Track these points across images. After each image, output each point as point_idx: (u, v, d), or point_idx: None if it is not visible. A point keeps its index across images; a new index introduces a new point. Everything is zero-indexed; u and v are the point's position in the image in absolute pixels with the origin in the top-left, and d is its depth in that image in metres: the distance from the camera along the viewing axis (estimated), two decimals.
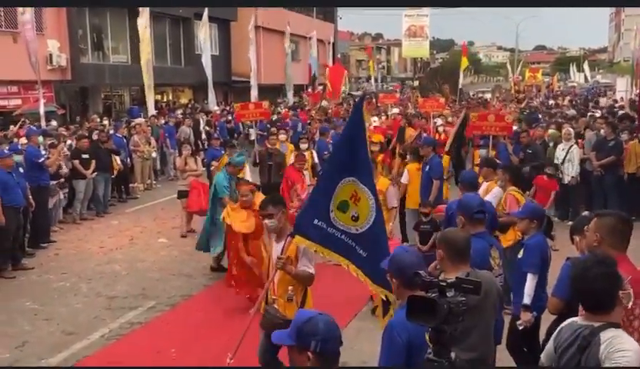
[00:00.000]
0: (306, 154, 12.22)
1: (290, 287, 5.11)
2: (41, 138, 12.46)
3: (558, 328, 3.30)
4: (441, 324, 2.83)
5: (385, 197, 7.18)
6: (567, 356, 3.22)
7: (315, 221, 4.78)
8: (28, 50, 16.68)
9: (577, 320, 3.30)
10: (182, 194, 11.71)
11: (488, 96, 40.72)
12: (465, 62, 34.21)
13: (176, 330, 7.51)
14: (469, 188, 6.96)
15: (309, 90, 36.06)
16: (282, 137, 13.50)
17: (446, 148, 11.07)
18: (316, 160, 12.74)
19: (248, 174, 10.85)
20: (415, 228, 8.85)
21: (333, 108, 25.19)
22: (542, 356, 3.48)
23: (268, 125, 17.39)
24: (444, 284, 2.87)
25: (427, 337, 3.30)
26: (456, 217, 5.39)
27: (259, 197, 7.60)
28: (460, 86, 34.05)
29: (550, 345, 3.41)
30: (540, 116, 20.31)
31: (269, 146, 12.48)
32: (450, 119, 18.23)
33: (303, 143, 12.64)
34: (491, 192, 8.00)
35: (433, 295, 2.86)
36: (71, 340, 7.23)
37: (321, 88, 33.10)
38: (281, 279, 5.20)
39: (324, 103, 26.96)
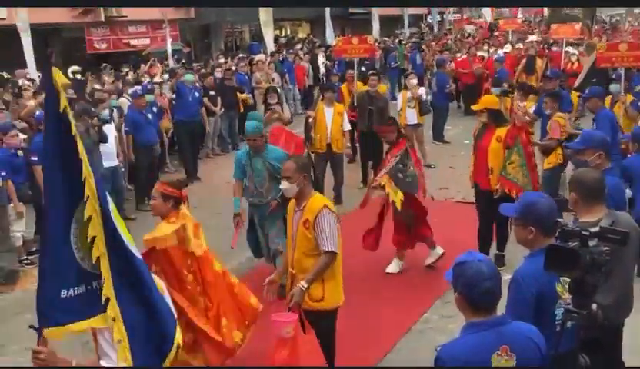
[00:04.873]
0: (413, 91, 11.89)
1: None
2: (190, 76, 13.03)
3: None
4: (583, 274, 2.72)
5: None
6: None
7: (63, 293, 2.92)
8: None
9: None
10: None
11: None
12: None
13: None
14: None
15: (456, 16, 35.28)
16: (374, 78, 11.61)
17: (576, 84, 10.35)
18: (424, 97, 12.14)
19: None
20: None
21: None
22: None
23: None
24: (586, 233, 2.73)
25: (558, 288, 3.21)
26: (588, 153, 5.03)
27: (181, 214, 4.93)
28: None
29: None
30: None
31: (370, 88, 11.18)
32: (581, 48, 17.11)
33: (412, 78, 12.14)
34: None
35: (574, 245, 2.75)
36: None
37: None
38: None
39: (469, 28, 26.18)
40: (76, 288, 2.94)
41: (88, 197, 2.86)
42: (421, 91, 12.27)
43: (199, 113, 12.41)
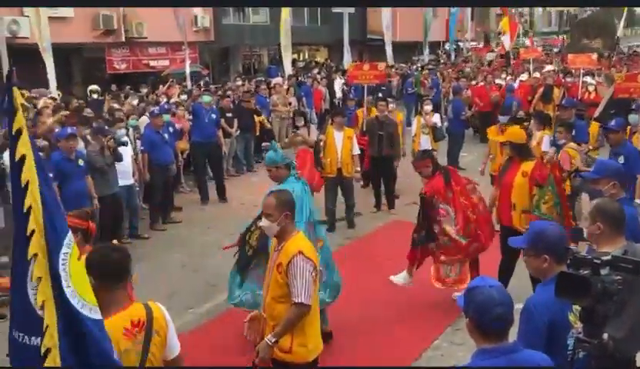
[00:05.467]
0: (427, 118, 11.96)
1: None
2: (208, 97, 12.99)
3: None
4: (593, 303, 2.69)
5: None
6: None
7: (15, 335, 2.63)
8: (175, 12, 17.52)
9: None
10: None
11: None
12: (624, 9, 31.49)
13: None
14: None
15: (475, 44, 35.67)
16: (391, 106, 11.96)
17: (596, 114, 10.32)
18: (438, 123, 12.15)
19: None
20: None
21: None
22: None
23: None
24: (598, 262, 2.70)
25: (571, 318, 3.17)
26: (603, 183, 4.93)
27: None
28: (617, 35, 31.42)
29: None
30: None
31: (378, 114, 11.09)
32: (599, 78, 17.06)
33: (427, 105, 12.22)
34: None
35: (585, 273, 2.72)
36: (216, 292, 7.66)
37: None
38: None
39: (489, 56, 26.45)
40: (37, 339, 2.56)
41: (34, 231, 2.48)
42: (436, 118, 12.26)
43: (216, 134, 12.42)
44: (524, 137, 6.96)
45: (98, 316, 2.60)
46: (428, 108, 12.10)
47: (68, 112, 10.64)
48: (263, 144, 15.97)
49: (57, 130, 9.18)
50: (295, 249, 4.10)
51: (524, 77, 18.60)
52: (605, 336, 2.74)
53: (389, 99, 12.33)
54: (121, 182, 9.42)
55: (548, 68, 21.66)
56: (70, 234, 2.59)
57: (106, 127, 9.56)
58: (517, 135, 6.87)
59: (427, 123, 11.88)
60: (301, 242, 4.20)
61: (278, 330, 4.10)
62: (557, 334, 3.18)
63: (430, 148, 11.76)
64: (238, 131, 13.81)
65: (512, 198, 6.55)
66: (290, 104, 16.87)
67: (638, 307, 3.80)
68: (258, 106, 15.26)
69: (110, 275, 3.09)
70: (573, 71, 18.00)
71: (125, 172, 9.59)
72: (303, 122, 11.89)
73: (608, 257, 2.72)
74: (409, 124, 20.16)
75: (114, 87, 17.67)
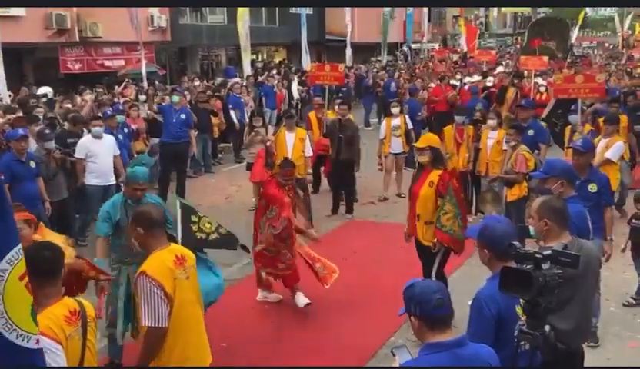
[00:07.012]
0: (399, 119, 11.66)
1: None
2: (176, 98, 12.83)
3: None
4: (536, 296, 2.77)
5: None
6: None
7: None
8: (130, 12, 17.25)
9: None
10: (250, 166, 11.19)
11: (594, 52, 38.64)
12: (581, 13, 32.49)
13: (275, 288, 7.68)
14: None
15: (433, 46, 36.33)
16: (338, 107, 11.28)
17: (543, 115, 10.55)
18: (410, 125, 11.90)
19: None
20: None
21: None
22: None
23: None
24: (539, 256, 2.79)
25: (518, 310, 3.26)
26: (551, 182, 5.06)
27: (45, 232, 4.65)
28: (572, 40, 32.22)
29: None
30: None
31: (341, 116, 10.86)
32: (552, 78, 17.45)
33: (394, 107, 11.82)
34: (612, 147, 8.37)
35: (528, 267, 2.80)
36: None
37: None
38: None
39: (454, 57, 27.03)
40: None
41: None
42: (409, 120, 11.96)
43: (184, 135, 12.06)
44: (439, 142, 6.91)
45: (32, 345, 2.40)
46: (396, 110, 11.73)
47: (15, 116, 10.28)
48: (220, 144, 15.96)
49: (8, 131, 8.97)
50: (141, 268, 3.82)
51: (476, 78, 18.95)
52: (547, 328, 2.82)
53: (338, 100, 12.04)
54: (99, 181, 9.30)
55: (500, 69, 22.09)
56: (17, 248, 2.37)
57: (48, 132, 9.28)
58: (435, 140, 6.70)
59: (402, 129, 11.58)
60: (151, 261, 3.85)
61: (138, 359, 3.83)
62: (505, 326, 3.26)
63: (402, 151, 11.63)
64: (196, 132, 13.67)
65: (417, 209, 6.33)
66: (247, 104, 16.81)
67: (584, 302, 3.95)
68: (231, 106, 15.31)
69: (42, 272, 3.08)
70: (525, 72, 18.38)
71: (104, 172, 9.38)
72: (261, 123, 11.80)
73: (549, 252, 2.80)
74: (367, 124, 20.31)
75: (34, 89, 16.78)
